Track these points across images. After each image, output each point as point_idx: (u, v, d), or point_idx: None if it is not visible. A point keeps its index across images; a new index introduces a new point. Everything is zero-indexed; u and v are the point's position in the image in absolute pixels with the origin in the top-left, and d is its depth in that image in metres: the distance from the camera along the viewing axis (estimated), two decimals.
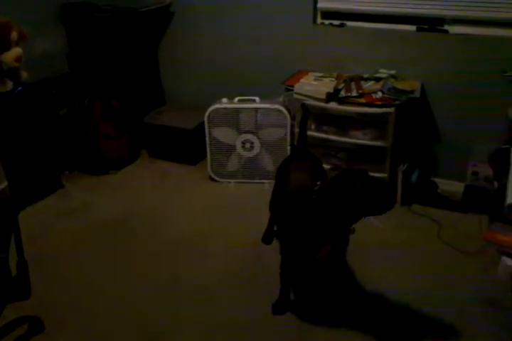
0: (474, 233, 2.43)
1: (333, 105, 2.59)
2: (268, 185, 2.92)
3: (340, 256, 1.97)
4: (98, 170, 3.12)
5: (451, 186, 2.79)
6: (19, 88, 2.56)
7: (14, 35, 2.47)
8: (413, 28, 2.68)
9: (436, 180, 2.86)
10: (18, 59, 2.49)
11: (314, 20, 2.91)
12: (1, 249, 1.35)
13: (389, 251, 2.35)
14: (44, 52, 3.00)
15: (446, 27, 2.62)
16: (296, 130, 2.78)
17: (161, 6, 3.17)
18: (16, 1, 2.77)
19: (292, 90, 2.71)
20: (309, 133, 2.56)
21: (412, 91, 2.55)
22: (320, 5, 2.87)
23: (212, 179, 3.03)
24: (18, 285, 1.41)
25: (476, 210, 2.58)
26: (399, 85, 2.59)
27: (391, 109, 2.48)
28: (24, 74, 2.61)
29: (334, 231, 1.68)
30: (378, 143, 2.59)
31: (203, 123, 2.93)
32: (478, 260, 2.26)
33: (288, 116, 2.80)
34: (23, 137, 2.66)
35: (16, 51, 2.48)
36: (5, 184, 2.33)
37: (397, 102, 2.49)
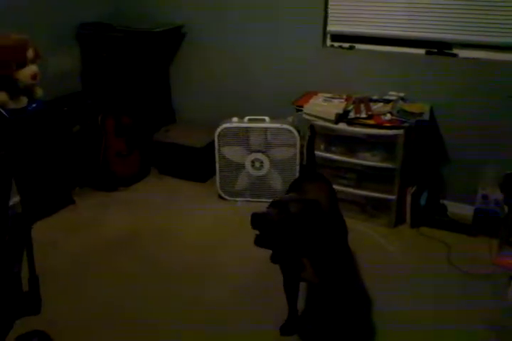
0: (484, 257, 2.42)
1: (342, 126, 2.61)
2: None
3: (339, 280, 1.92)
4: (108, 186, 3.14)
5: (461, 209, 2.77)
6: (34, 105, 2.61)
7: (30, 53, 2.53)
8: (422, 51, 2.73)
9: (446, 202, 2.85)
10: (34, 76, 2.55)
11: (324, 43, 2.96)
12: (13, 264, 1.36)
13: (398, 274, 2.34)
14: (59, 70, 3.07)
15: (455, 51, 2.66)
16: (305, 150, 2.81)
17: (174, 27, 3.25)
18: (34, 20, 2.86)
19: (302, 110, 2.75)
20: (318, 153, 2.59)
21: (421, 114, 2.57)
22: (329, 28, 2.92)
23: (220, 197, 3.04)
24: (29, 300, 1.41)
25: (486, 234, 2.57)
26: (408, 107, 2.61)
27: (400, 131, 2.50)
28: (39, 92, 2.67)
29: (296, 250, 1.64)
30: (387, 165, 2.60)
31: (212, 141, 2.96)
32: (488, 284, 2.23)
33: (297, 136, 2.83)
34: (36, 153, 2.70)
35: (31, 69, 2.54)
36: (17, 199, 2.37)
37: (406, 124, 2.51)
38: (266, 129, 2.86)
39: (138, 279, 2.32)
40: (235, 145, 2.92)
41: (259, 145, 2.90)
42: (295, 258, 1.70)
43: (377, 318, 2.06)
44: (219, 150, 2.95)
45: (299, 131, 2.83)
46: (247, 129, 2.88)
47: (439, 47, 2.69)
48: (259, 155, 2.92)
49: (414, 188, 2.71)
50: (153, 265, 2.42)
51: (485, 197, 2.55)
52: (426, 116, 2.58)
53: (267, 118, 2.88)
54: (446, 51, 2.68)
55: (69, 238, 2.64)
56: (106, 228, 2.74)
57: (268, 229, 1.50)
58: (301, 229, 1.52)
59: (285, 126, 2.82)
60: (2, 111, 1.33)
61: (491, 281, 2.24)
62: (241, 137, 2.90)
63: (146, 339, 1.98)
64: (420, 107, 2.63)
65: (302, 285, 1.99)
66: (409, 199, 2.68)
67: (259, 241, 1.53)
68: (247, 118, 2.90)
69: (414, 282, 2.28)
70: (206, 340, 1.97)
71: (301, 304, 2.04)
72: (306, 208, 1.55)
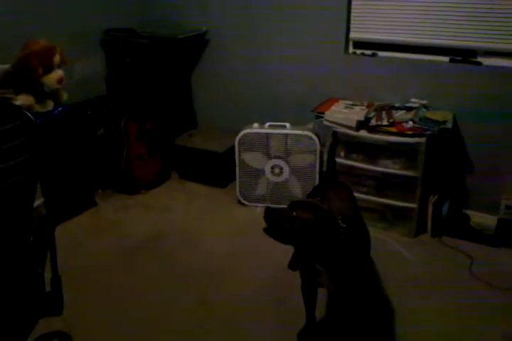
0: (507, 268, 2.37)
1: (363, 133, 2.60)
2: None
3: (357, 289, 1.90)
4: (130, 189, 3.19)
5: (484, 219, 2.73)
6: (60, 108, 2.67)
7: (57, 58, 2.59)
8: (446, 59, 2.70)
9: (468, 212, 2.81)
10: (60, 81, 2.61)
11: (346, 50, 2.95)
12: (37, 265, 1.39)
13: (419, 285, 2.30)
14: (84, 75, 3.13)
15: (479, 59, 2.63)
16: (326, 157, 2.80)
17: (198, 33, 3.28)
18: (62, 27, 2.93)
19: (322, 117, 2.74)
20: (338, 160, 2.58)
21: (444, 122, 2.54)
22: (352, 35, 2.92)
23: (240, 202, 3.05)
24: (52, 300, 1.44)
25: (509, 245, 2.51)
26: (430, 115, 2.59)
27: (422, 139, 2.47)
28: (65, 96, 2.73)
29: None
30: (408, 173, 2.57)
31: (232, 147, 2.98)
32: (511, 297, 2.18)
33: (318, 142, 2.82)
34: (61, 156, 2.75)
35: (58, 73, 2.59)
36: (41, 200, 2.41)
37: (428, 132, 2.48)
38: (286, 135, 2.87)
39: (158, 281, 2.34)
40: (255, 151, 2.93)
41: (279, 151, 2.90)
42: (308, 263, 1.70)
43: (397, 328, 2.03)
44: (239, 155, 2.96)
45: (319, 138, 2.83)
46: (267, 135, 2.89)
47: (463, 55, 2.66)
48: (279, 162, 2.92)
49: (436, 197, 2.67)
50: (172, 267, 2.44)
51: (508, 207, 2.51)
52: (449, 124, 2.55)
53: (287, 124, 2.88)
54: (471, 59, 2.64)
55: (91, 240, 2.68)
56: (127, 231, 2.77)
57: (275, 226, 1.59)
58: (308, 235, 1.55)
59: (306, 132, 2.82)
60: (28, 114, 1.36)
61: None
62: (261, 143, 2.90)
63: (164, 340, 1.99)
64: (443, 115, 2.60)
65: (322, 294, 1.98)
66: (430, 208, 2.65)
67: (267, 230, 1.61)
68: (267, 124, 2.91)
69: (434, 293, 2.24)
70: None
71: (319, 311, 2.03)
72: (318, 217, 1.56)
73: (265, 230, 1.61)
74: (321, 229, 1.55)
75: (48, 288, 1.46)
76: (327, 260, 1.64)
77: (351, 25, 2.89)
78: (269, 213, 1.60)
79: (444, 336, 1.99)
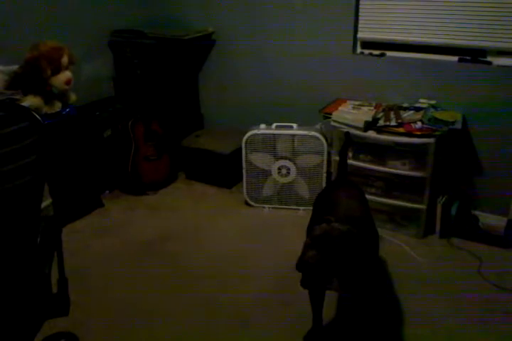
0: None
1: (371, 134, 2.58)
2: (303, 212, 2.91)
3: (365, 291, 1.89)
4: (137, 190, 3.19)
5: (493, 220, 2.70)
6: (67, 109, 2.68)
7: (65, 59, 2.60)
8: (455, 58, 2.68)
9: (477, 213, 2.78)
10: (68, 82, 2.62)
11: (354, 50, 2.94)
12: (44, 266, 1.39)
13: (427, 285, 2.28)
14: (92, 76, 3.14)
15: (489, 58, 2.60)
16: (334, 158, 2.79)
17: (205, 34, 3.28)
18: (69, 28, 2.94)
19: (330, 118, 2.73)
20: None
21: (453, 122, 2.51)
22: (360, 35, 2.90)
23: (247, 203, 3.05)
24: (58, 301, 1.44)
25: None
26: (439, 116, 2.56)
27: (431, 140, 2.45)
28: (73, 97, 2.74)
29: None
30: (417, 174, 2.55)
31: (239, 148, 2.97)
32: None
33: (325, 143, 2.81)
34: (68, 156, 2.76)
35: (66, 74, 2.61)
36: (49, 201, 2.42)
37: (437, 133, 2.46)
38: (293, 136, 2.86)
39: (163, 282, 2.34)
40: (262, 151, 2.92)
41: (286, 152, 2.89)
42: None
43: (406, 329, 2.01)
44: (246, 156, 2.95)
45: (326, 139, 2.81)
46: (274, 136, 2.88)
47: (472, 55, 2.64)
48: (286, 162, 2.91)
49: (444, 198, 2.65)
50: (179, 268, 2.44)
51: None
52: (458, 125, 2.53)
53: (294, 125, 2.87)
54: (480, 59, 2.62)
55: (98, 240, 2.68)
56: (134, 231, 2.77)
57: (309, 272, 1.60)
58: (338, 266, 1.58)
59: (313, 133, 2.81)
60: (36, 115, 1.36)
61: None
62: (268, 144, 2.90)
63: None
64: (452, 115, 2.57)
65: (329, 296, 1.96)
66: (439, 209, 2.62)
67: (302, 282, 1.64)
68: (274, 124, 2.90)
69: (443, 294, 2.22)
70: None
71: (326, 314, 2.01)
72: (343, 247, 1.58)
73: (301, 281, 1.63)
74: (350, 254, 1.58)
75: (54, 289, 1.46)
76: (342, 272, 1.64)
77: (359, 25, 2.87)
78: (300, 265, 1.59)
79: (453, 337, 1.97)
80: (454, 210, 2.66)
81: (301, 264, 1.57)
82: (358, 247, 1.60)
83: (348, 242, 1.58)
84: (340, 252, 1.56)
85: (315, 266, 1.56)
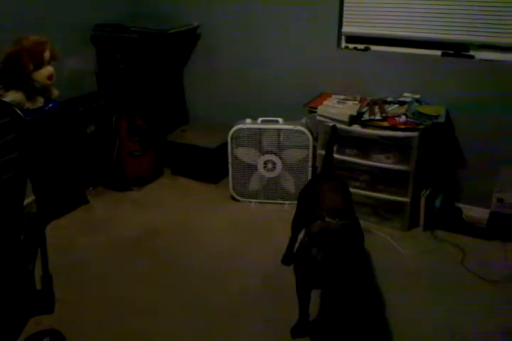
0: (499, 261, 2.38)
1: (355, 128, 2.60)
2: (288, 206, 2.92)
3: (351, 284, 1.91)
4: (122, 186, 3.16)
5: (476, 212, 2.74)
6: (50, 105, 2.64)
7: (47, 54, 2.56)
8: (438, 52, 2.70)
9: (461, 205, 2.82)
10: (50, 77, 2.58)
11: (338, 44, 2.94)
12: (28, 262, 1.38)
13: (411, 277, 2.31)
14: (75, 71, 3.10)
15: (471, 52, 2.63)
16: (319, 152, 2.80)
17: (190, 28, 3.26)
18: (51, 22, 2.89)
19: (315, 112, 2.74)
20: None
21: (436, 116, 2.54)
22: (344, 29, 2.91)
23: (233, 198, 3.05)
24: (43, 299, 1.43)
25: (502, 238, 2.53)
26: (423, 110, 2.59)
27: (415, 133, 2.47)
28: (55, 92, 2.70)
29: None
30: (401, 167, 2.57)
31: (225, 142, 2.96)
32: (502, 290, 2.20)
33: (310, 137, 2.82)
34: (51, 153, 2.73)
35: (48, 69, 2.57)
36: (32, 198, 2.39)
37: (421, 126, 2.48)
38: (279, 131, 2.86)
39: (150, 278, 2.33)
40: (248, 146, 2.92)
41: (271, 146, 2.90)
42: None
43: (390, 321, 2.04)
44: (232, 151, 2.95)
45: (312, 133, 2.82)
46: (260, 130, 2.88)
47: (455, 49, 2.66)
48: (272, 157, 2.92)
49: (428, 191, 2.68)
50: (165, 264, 2.43)
51: (500, 200, 2.51)
52: (441, 119, 2.55)
53: (280, 119, 2.87)
54: (463, 53, 2.64)
55: (83, 237, 2.66)
56: (119, 227, 2.75)
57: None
58: (340, 261, 1.59)
59: (298, 127, 2.82)
60: (18, 111, 1.34)
61: (505, 286, 2.21)
62: (254, 138, 2.89)
63: (160, 337, 1.98)
64: (436, 109, 2.60)
65: (315, 291, 1.98)
66: (423, 201, 2.65)
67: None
68: (260, 119, 2.90)
69: (427, 286, 2.26)
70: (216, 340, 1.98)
71: (312, 306, 2.03)
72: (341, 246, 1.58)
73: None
74: (346, 255, 1.59)
75: (38, 286, 1.44)
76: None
77: (344, 20, 2.88)
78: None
79: (437, 327, 2.00)
80: (437, 203, 2.69)
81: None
82: (353, 240, 1.60)
83: (345, 236, 1.58)
84: (340, 247, 1.56)
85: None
